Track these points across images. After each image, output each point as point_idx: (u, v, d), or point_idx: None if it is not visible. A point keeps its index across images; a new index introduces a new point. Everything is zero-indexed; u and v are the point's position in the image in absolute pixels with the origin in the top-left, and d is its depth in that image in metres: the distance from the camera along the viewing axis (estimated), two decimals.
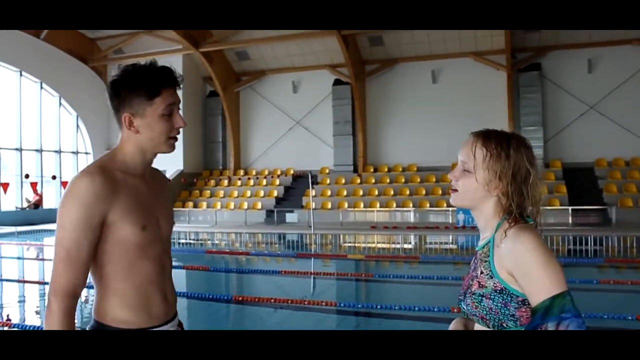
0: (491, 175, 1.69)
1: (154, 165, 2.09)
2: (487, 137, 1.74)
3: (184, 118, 2.00)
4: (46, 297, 1.78)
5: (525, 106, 20.95)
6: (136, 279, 1.93)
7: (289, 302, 7.74)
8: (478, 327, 1.70)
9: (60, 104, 24.21)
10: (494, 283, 1.63)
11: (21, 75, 22.66)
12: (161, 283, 2.00)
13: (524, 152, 1.70)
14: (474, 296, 1.67)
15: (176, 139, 2.01)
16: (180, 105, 2.02)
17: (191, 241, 18.02)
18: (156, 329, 1.96)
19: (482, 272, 1.67)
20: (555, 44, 20.84)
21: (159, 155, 2.03)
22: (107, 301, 1.91)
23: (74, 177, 1.88)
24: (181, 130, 2.04)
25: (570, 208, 17.73)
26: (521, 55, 21.58)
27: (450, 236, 16.98)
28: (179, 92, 2.02)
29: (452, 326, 1.88)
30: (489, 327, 1.63)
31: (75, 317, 1.78)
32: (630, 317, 6.19)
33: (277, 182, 23.85)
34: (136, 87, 1.92)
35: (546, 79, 21.27)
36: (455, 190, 1.77)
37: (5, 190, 20.59)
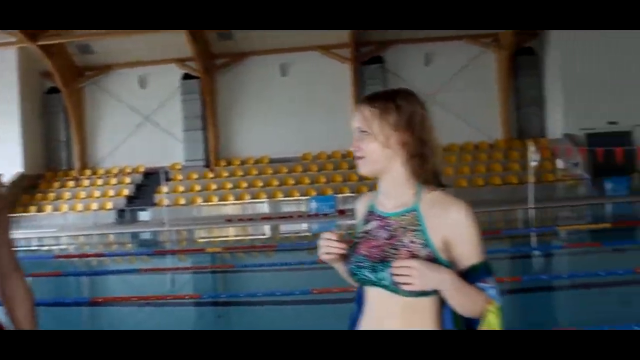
0: (388, 129, 1.70)
1: None
2: (374, 97, 1.76)
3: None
4: None
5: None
6: None
7: (150, 299, 7.93)
8: (391, 296, 1.69)
9: None
10: (428, 252, 1.65)
11: None
12: None
13: (414, 99, 1.75)
14: None
15: None
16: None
17: (35, 247, 17.64)
18: None
19: (412, 242, 1.67)
20: (396, 39, 22.89)
21: None
22: None
23: None
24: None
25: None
26: (365, 49, 23.45)
27: (304, 224, 18.06)
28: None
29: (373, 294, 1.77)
30: (408, 296, 1.66)
31: None
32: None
33: (128, 180, 23.92)
34: None
35: (388, 71, 23.32)
36: (361, 158, 1.75)
37: None
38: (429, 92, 22.74)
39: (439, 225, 1.67)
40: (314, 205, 20.16)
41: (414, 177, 1.73)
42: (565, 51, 21.70)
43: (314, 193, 21.36)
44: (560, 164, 20.74)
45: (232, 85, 24.12)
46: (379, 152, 1.72)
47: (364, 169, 1.76)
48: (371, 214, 1.82)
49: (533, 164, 17.26)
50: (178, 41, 22.47)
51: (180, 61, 23.87)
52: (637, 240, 11.29)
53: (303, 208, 20.63)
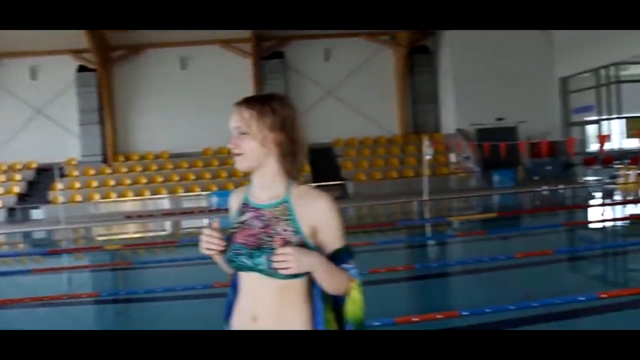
0: (265, 130, 1.91)
1: None
2: (251, 100, 1.98)
3: None
4: None
5: (270, 92, 22.95)
6: None
7: (45, 299, 7.79)
8: (266, 279, 1.91)
9: None
10: (298, 239, 1.88)
11: None
12: None
13: (287, 103, 1.99)
14: None
15: None
16: None
17: None
18: None
19: (285, 230, 1.90)
20: (296, 34, 23.21)
21: None
22: None
23: None
24: None
25: (313, 185, 20.06)
26: (266, 44, 23.62)
27: (206, 219, 18.05)
28: None
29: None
30: (283, 278, 1.88)
31: None
32: (364, 272, 7.59)
33: (18, 177, 22.85)
34: None
35: (288, 66, 23.63)
36: (239, 155, 1.94)
37: None
38: (329, 87, 23.35)
39: (307, 214, 1.90)
40: (215, 200, 20.15)
41: (286, 173, 1.96)
42: (457, 50, 22.87)
43: (215, 188, 21.35)
44: (453, 157, 21.91)
45: (130, 78, 23.60)
46: (256, 150, 1.92)
47: (241, 165, 1.95)
48: (246, 206, 2.01)
49: (427, 157, 18.12)
50: (72, 32, 21.65)
51: (76, 52, 23.05)
52: (518, 228, 12.20)
53: (204, 203, 20.58)
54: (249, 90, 22.40)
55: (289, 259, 1.81)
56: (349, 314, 1.97)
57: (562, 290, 6.44)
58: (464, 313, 5.60)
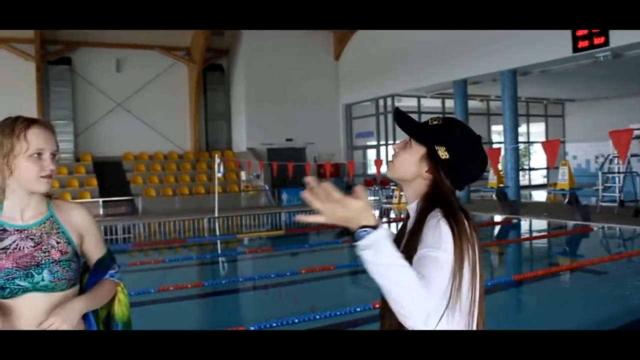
0: None
1: None
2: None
3: None
4: None
5: (56, 100, 21.45)
6: None
7: None
8: (43, 296, 1.89)
9: None
10: (73, 248, 1.97)
11: None
12: None
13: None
14: (61, 263, 1.92)
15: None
16: None
17: None
18: None
19: (58, 242, 1.94)
20: (85, 41, 21.91)
21: None
22: None
23: None
24: None
25: (100, 200, 19.05)
26: (52, 47, 21.95)
27: None
28: None
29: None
30: (64, 289, 1.92)
31: None
32: (152, 290, 7.35)
33: None
34: None
35: (76, 74, 22.18)
36: (50, 177, 1.97)
37: None
38: (120, 99, 22.38)
39: (72, 224, 2.01)
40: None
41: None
42: (250, 71, 23.31)
43: None
44: (243, 176, 22.20)
45: None
46: None
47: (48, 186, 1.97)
48: (3, 232, 1.91)
49: (219, 175, 18.15)
50: None
51: None
52: (304, 245, 12.72)
53: None
54: (33, 96, 20.74)
55: (57, 324, 1.83)
56: (117, 314, 2.13)
57: (343, 302, 6.81)
58: (250, 328, 5.66)
